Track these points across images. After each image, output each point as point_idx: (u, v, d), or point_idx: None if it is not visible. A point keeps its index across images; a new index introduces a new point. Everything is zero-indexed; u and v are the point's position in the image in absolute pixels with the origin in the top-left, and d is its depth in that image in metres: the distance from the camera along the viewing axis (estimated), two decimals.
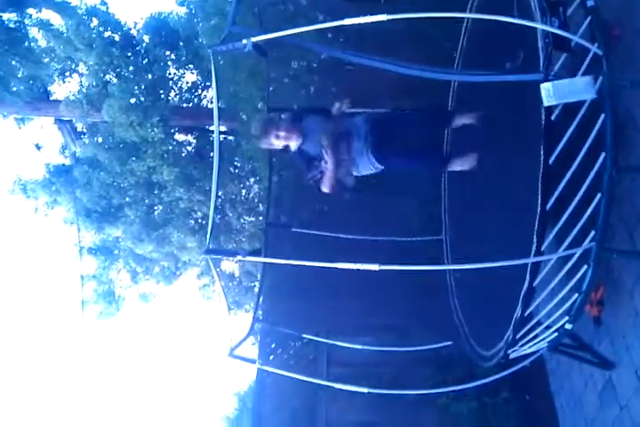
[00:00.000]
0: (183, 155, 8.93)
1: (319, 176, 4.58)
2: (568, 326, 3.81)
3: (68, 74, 9.72)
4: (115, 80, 8.93)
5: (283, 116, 5.14)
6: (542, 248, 3.66)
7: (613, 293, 4.51)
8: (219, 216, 9.44)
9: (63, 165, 9.67)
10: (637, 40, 4.12)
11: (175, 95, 9.89)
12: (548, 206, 3.62)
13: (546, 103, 3.53)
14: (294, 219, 6.66)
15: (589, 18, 3.83)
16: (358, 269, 6.15)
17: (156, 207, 9.00)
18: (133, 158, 8.39)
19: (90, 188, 8.61)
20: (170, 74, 9.53)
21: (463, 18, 5.35)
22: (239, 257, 3.98)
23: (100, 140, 8.77)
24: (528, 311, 3.89)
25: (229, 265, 10.61)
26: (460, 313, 5.48)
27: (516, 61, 4.42)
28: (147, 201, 8.78)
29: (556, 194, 3.65)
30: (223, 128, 9.25)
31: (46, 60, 9.38)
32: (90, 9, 9.09)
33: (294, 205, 6.81)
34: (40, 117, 9.98)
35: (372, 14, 3.46)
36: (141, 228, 8.78)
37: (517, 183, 4.24)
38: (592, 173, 3.63)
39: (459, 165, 5.02)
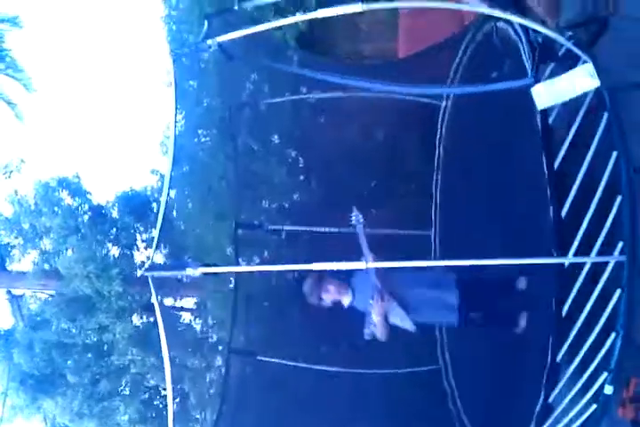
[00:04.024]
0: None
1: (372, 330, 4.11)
2: None
3: (29, 246, 9.37)
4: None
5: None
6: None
7: None
8: (177, 400, 8.29)
9: (7, 330, 8.71)
10: None
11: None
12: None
13: (540, 106, 3.19)
14: (259, 346, 5.80)
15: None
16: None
17: (103, 373, 7.83)
18: (83, 315, 7.57)
19: (30, 348, 7.58)
20: (136, 242, 9.26)
21: None
22: (189, 270, 3.15)
23: (50, 299, 8.04)
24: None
25: None
26: None
27: None
28: (93, 367, 7.68)
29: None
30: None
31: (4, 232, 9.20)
32: (61, 180, 9.20)
33: (261, 331, 6.03)
34: None
35: None
36: (83, 398, 7.52)
37: None
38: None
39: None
